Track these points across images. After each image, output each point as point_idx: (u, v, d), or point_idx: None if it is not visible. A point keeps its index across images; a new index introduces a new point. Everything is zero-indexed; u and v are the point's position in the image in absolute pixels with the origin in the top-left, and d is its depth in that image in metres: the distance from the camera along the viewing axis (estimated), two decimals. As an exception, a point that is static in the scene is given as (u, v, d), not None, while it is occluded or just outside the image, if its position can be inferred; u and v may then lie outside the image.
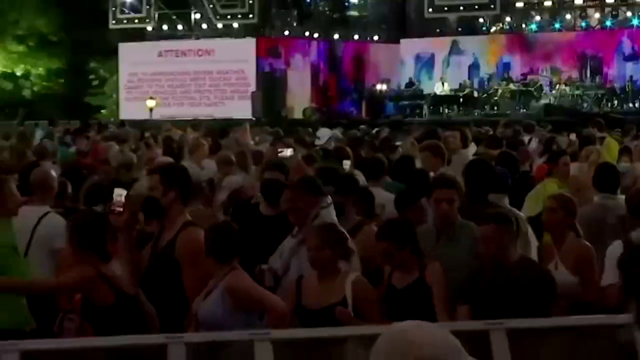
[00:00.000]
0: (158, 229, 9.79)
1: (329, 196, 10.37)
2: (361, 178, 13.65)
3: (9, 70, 64.95)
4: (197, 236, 9.30)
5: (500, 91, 52.09)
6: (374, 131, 32.22)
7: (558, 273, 9.02)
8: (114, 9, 58.53)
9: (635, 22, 53.30)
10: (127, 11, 58.89)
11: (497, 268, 8.60)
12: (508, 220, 8.75)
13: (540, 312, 8.26)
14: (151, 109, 54.11)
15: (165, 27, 58.80)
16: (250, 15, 55.65)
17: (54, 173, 12.47)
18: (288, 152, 17.91)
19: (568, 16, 55.57)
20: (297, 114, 55.23)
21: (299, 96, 57.18)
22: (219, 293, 8.53)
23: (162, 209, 9.60)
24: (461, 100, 52.54)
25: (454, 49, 56.75)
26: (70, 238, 9.07)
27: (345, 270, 8.73)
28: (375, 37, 60.40)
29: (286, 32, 57.65)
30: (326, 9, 61.41)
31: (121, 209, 9.33)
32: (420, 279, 8.72)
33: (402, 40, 59.08)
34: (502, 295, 8.38)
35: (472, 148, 19.25)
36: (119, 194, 9.52)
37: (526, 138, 24.19)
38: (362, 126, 36.33)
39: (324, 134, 28.83)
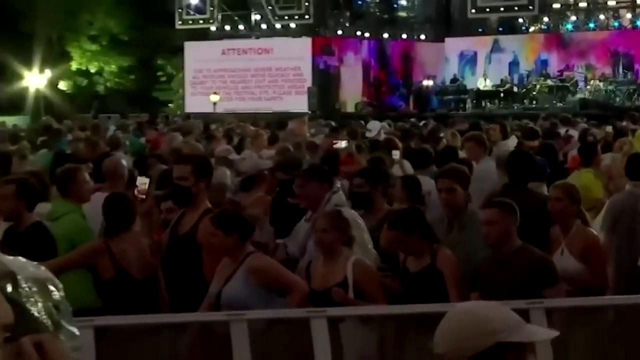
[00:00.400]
0: (177, 215, 9.86)
1: (338, 182, 10.72)
2: (409, 167, 14.41)
3: (84, 68, 66.50)
4: None
5: (538, 86, 53.01)
6: (421, 124, 32.38)
7: (563, 259, 9.06)
8: (180, 10, 59.70)
9: (664, 22, 53.91)
10: (192, 12, 60.13)
11: (499, 253, 8.64)
12: (512, 207, 8.67)
13: (538, 296, 8.15)
14: (215, 103, 55.28)
15: (227, 27, 59.61)
16: (306, 16, 56.57)
17: (124, 162, 12.85)
18: (343, 143, 18.30)
19: (601, 16, 56.02)
20: (350, 108, 56.38)
21: (351, 91, 58.01)
22: (243, 274, 8.62)
23: (190, 196, 9.65)
24: (502, 95, 53.57)
25: (495, 47, 57.48)
26: None
27: (348, 252, 8.80)
28: (422, 36, 61.19)
29: (339, 32, 58.45)
30: (376, 10, 62.13)
31: (144, 196, 9.58)
32: (431, 264, 8.76)
33: (446, 39, 59.97)
34: (503, 280, 8.40)
35: (513, 140, 19.13)
36: (143, 182, 9.80)
37: (563, 130, 23.85)
38: (413, 119, 37.18)
39: (374, 127, 27.75)
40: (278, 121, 30.10)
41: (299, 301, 8.49)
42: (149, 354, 7.86)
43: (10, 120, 45.79)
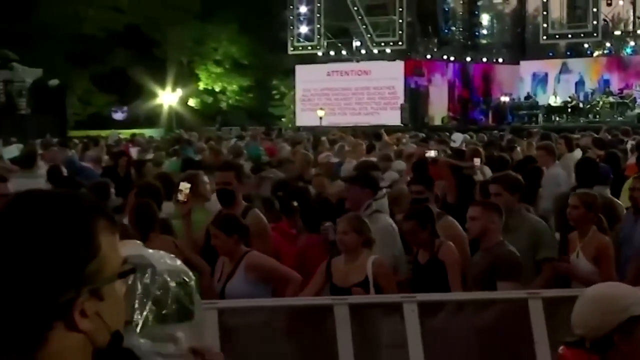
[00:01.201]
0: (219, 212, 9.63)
1: (383, 190, 10.47)
2: (489, 172, 14.53)
3: (210, 87, 69.49)
4: (259, 217, 9.72)
5: (601, 103, 54.08)
6: (498, 135, 33.38)
7: (578, 261, 8.82)
8: (292, 38, 61.59)
9: None
10: (302, 40, 61.86)
11: (482, 246, 8.62)
12: (495, 207, 8.69)
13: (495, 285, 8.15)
14: (321, 117, 57.21)
15: (332, 52, 61.02)
16: (400, 43, 58.11)
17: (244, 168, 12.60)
18: (432, 152, 17.34)
19: (657, 42, 56.27)
20: (437, 121, 57.54)
21: (438, 107, 59.49)
22: (242, 272, 8.60)
23: (232, 198, 9.71)
24: (569, 110, 55.04)
25: (564, 69, 58.41)
26: None
27: (367, 253, 8.60)
28: (500, 60, 62.61)
29: (428, 56, 59.55)
30: (460, 37, 63.27)
31: (185, 200, 9.70)
32: (435, 257, 8.70)
33: (521, 62, 61.07)
34: (477, 271, 8.52)
35: (578, 152, 18.74)
36: (185, 186, 9.84)
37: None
38: (495, 132, 38.41)
39: (457, 138, 28.60)
40: (374, 133, 29.82)
41: (294, 291, 8.56)
42: (266, 333, 7.68)
43: (147, 132, 47.57)
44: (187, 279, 2.78)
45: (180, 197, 9.73)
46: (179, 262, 2.82)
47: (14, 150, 23.95)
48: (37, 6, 63.13)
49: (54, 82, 47.86)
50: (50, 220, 2.05)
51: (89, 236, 2.07)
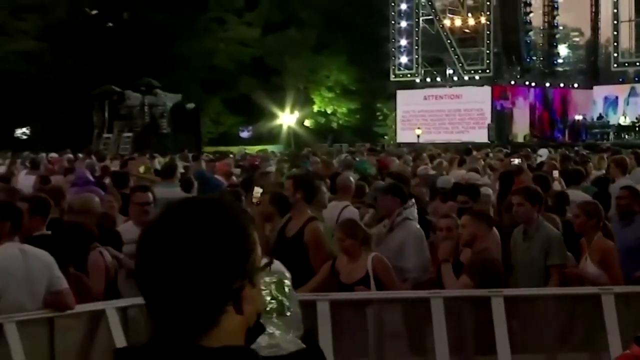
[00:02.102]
0: (286, 219, 9.37)
1: (412, 200, 9.94)
2: (564, 184, 14.04)
3: (323, 109, 70.20)
4: (319, 227, 9.23)
5: None
6: (575, 150, 33.15)
7: (586, 265, 8.45)
8: (393, 67, 62.14)
9: None
10: (402, 69, 62.05)
11: (473, 251, 8.28)
12: (482, 216, 8.56)
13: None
14: (418, 135, 56.83)
15: (428, 79, 60.94)
16: (487, 71, 58.13)
17: (352, 179, 12.80)
18: (516, 160, 18.76)
19: None
20: (519, 139, 56.43)
21: (521, 126, 58.78)
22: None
23: (289, 204, 9.42)
24: (637, 128, 54.00)
25: (632, 93, 57.25)
26: None
27: (366, 251, 8.35)
28: (575, 85, 62.06)
29: (512, 82, 59.18)
30: (540, 65, 63.42)
31: (259, 202, 9.62)
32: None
33: (594, 87, 60.44)
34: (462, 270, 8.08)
35: None
36: (258, 191, 9.80)
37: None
38: (576, 148, 37.54)
39: (543, 153, 28.66)
40: (465, 149, 29.25)
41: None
42: (363, 323, 7.48)
43: (269, 148, 47.96)
44: (283, 278, 2.84)
45: (254, 200, 9.80)
46: (276, 262, 2.95)
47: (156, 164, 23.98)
48: (176, 42, 65.30)
49: (190, 105, 48.71)
50: (222, 221, 2.16)
51: (249, 234, 2.20)
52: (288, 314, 2.81)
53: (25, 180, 16.53)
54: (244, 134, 69.97)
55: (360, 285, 8.19)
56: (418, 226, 9.54)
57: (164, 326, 2.09)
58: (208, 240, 2.09)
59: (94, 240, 8.25)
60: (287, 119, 68.02)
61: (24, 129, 72.87)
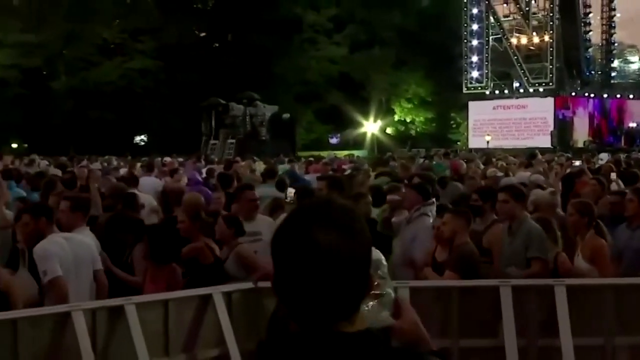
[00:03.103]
0: None
1: (433, 198, 9.62)
2: (622, 184, 13.53)
3: (402, 119, 70.47)
4: None
5: None
6: (629, 155, 32.50)
7: (578, 261, 8.07)
8: (465, 81, 62.24)
9: None
10: (474, 82, 62.09)
11: (453, 246, 8.09)
12: (462, 213, 8.26)
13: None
14: (488, 141, 56.62)
15: (497, 91, 60.93)
16: (550, 84, 57.55)
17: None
18: (577, 162, 19.19)
19: None
20: (579, 144, 56.37)
21: (581, 133, 58.56)
22: (233, 258, 8.11)
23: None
24: None
25: None
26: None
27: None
28: (630, 96, 61.35)
29: (573, 93, 58.85)
30: (599, 79, 63.10)
31: (292, 202, 9.49)
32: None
33: None
34: (448, 265, 7.95)
35: None
36: (292, 192, 9.77)
37: None
38: (632, 153, 37.76)
39: (603, 157, 28.51)
40: (530, 153, 28.38)
41: (264, 278, 7.39)
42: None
43: (355, 153, 48.11)
44: (379, 264, 2.85)
45: (288, 199, 9.79)
46: (376, 252, 2.77)
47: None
48: (274, 60, 66.54)
49: (286, 115, 48.92)
50: (361, 219, 2.07)
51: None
52: (384, 293, 2.81)
53: (142, 181, 16.16)
54: (333, 140, 69.75)
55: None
56: (431, 221, 9.08)
57: (309, 316, 1.97)
58: (360, 238, 2.00)
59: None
60: (370, 127, 68.05)
61: (142, 136, 74.29)
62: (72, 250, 7.30)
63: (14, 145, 68.48)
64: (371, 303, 2.74)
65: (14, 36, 72.72)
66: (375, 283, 2.75)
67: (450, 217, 8.20)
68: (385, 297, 2.81)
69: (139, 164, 22.87)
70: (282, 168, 20.79)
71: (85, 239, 7.64)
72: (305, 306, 1.97)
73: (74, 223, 7.48)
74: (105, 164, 26.36)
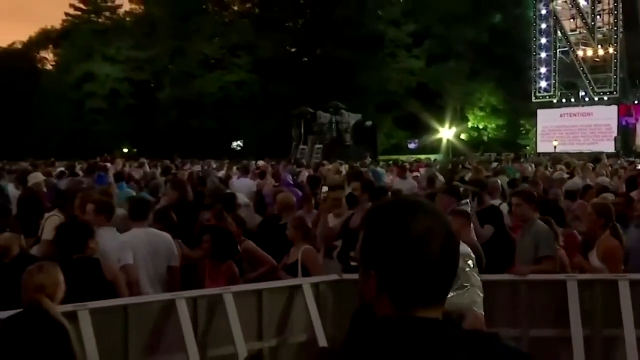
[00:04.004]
0: (349, 214, 9.23)
1: (466, 199, 9.19)
2: None
3: (475, 125, 69.37)
4: None
5: None
6: None
7: (592, 259, 7.81)
8: (534, 90, 61.31)
9: None
10: (542, 92, 61.10)
11: None
12: (462, 213, 7.75)
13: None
14: (555, 146, 56.28)
15: (563, 100, 60.05)
16: (614, 92, 56.70)
17: (499, 182, 12.57)
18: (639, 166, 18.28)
19: None
20: None
21: None
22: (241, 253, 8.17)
23: (356, 201, 9.27)
24: None
25: None
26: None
27: (304, 243, 8.01)
28: None
29: (635, 102, 56.96)
30: None
31: (324, 198, 9.48)
32: None
33: None
34: None
35: None
36: (325, 190, 9.58)
37: None
38: None
39: None
40: (595, 157, 28.54)
41: (269, 271, 8.16)
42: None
43: (432, 157, 47.16)
44: (468, 259, 2.79)
45: (322, 196, 9.62)
46: (464, 246, 2.84)
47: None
48: (358, 72, 67.12)
49: (368, 122, 48.79)
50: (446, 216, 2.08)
51: None
52: (467, 289, 2.77)
53: (238, 183, 16.68)
54: (411, 145, 69.52)
55: (291, 268, 7.96)
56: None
57: (398, 300, 1.95)
58: (447, 230, 2.01)
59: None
60: (446, 133, 67.55)
61: (238, 142, 75.01)
62: (149, 242, 7.58)
63: (125, 150, 70.23)
64: (453, 293, 2.72)
65: (126, 52, 75.01)
66: (466, 270, 2.77)
67: (450, 218, 7.85)
68: (470, 291, 2.80)
69: (235, 167, 23.11)
70: (381, 172, 20.83)
71: (165, 235, 7.84)
72: (401, 291, 1.94)
73: (99, 224, 7.47)
74: (205, 167, 26.60)
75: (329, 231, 9.26)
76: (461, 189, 9.60)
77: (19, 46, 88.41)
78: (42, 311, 4.68)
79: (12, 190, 13.95)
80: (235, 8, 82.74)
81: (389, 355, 1.87)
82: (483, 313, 2.64)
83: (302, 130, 48.42)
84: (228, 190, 12.82)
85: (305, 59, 75.47)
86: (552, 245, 8.02)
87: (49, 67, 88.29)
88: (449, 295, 2.03)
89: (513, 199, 8.64)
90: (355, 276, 2.05)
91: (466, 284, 2.81)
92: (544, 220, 8.34)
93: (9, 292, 4.05)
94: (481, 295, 2.77)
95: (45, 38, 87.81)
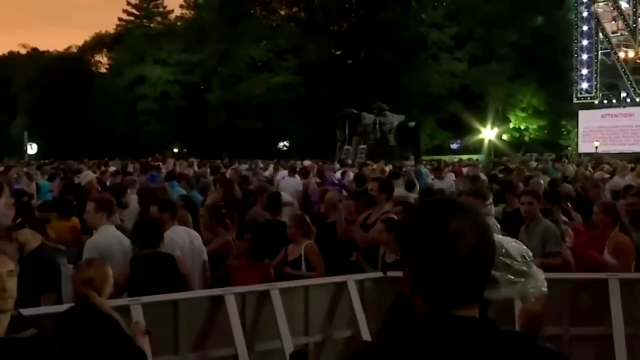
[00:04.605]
0: (366, 213, 9.27)
1: (490, 199, 9.31)
2: None
3: (517, 126, 68.95)
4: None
5: None
6: None
7: (605, 255, 7.77)
8: (576, 92, 60.70)
9: None
10: (583, 93, 60.45)
11: None
12: None
13: None
14: (596, 147, 55.84)
15: (605, 101, 59.58)
16: None
17: (542, 182, 12.65)
18: None
19: None
20: None
21: None
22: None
23: (374, 201, 9.25)
24: None
25: None
26: None
27: (304, 240, 8.03)
28: None
29: None
30: None
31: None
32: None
33: None
34: None
35: None
36: (371, 188, 9.47)
37: None
38: None
39: None
40: (637, 157, 29.52)
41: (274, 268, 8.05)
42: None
43: (474, 157, 48.04)
44: (525, 256, 2.86)
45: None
46: (517, 244, 2.87)
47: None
48: (401, 74, 67.35)
49: (411, 123, 48.62)
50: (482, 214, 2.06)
51: None
52: (519, 282, 2.87)
53: (284, 182, 16.76)
54: (454, 146, 69.46)
55: (294, 264, 8.00)
56: (494, 221, 8.73)
57: (435, 298, 1.93)
58: (483, 228, 1.96)
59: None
60: (488, 133, 67.25)
61: (285, 142, 75.15)
62: (190, 240, 7.81)
63: (175, 150, 71.12)
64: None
65: (177, 56, 75.92)
66: (507, 262, 2.78)
67: None
68: (523, 283, 2.84)
69: (280, 167, 23.26)
70: (425, 171, 20.96)
71: (194, 232, 8.07)
72: (432, 289, 1.93)
73: (99, 222, 7.51)
74: (253, 166, 26.84)
75: (343, 227, 9.40)
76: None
77: (75, 50, 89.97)
78: (90, 304, 4.77)
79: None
80: (282, 12, 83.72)
81: (417, 353, 1.87)
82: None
83: (347, 131, 48.42)
84: (273, 189, 12.85)
85: (350, 62, 75.68)
86: (559, 242, 8.15)
87: (102, 70, 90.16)
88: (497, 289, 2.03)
89: (523, 197, 8.72)
90: (399, 274, 2.06)
91: (519, 278, 2.85)
92: (551, 219, 8.48)
93: (24, 283, 4.13)
94: (540, 287, 2.84)
95: (99, 42, 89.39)
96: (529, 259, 2.93)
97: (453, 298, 1.92)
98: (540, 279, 2.90)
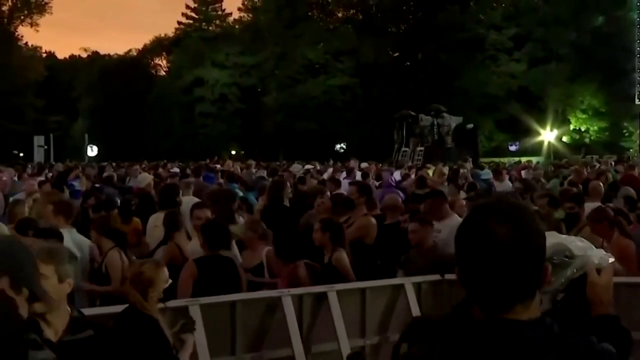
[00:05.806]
0: (346, 217, 9.27)
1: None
2: None
3: (577, 128, 67.42)
4: (371, 223, 9.18)
5: None
6: None
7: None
8: (637, 92, 60.43)
9: None
10: None
11: (418, 249, 7.89)
12: (426, 221, 8.05)
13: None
14: None
15: None
16: None
17: (601, 184, 12.19)
18: None
19: None
20: None
21: None
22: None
23: (353, 205, 9.35)
24: None
25: None
26: None
27: (265, 246, 7.88)
28: None
29: None
30: None
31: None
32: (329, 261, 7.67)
33: None
34: (419, 265, 7.64)
35: None
36: (350, 192, 9.56)
37: None
38: None
39: None
40: None
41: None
42: None
43: (533, 159, 46.85)
44: (567, 255, 2.79)
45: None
46: (557, 235, 2.84)
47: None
48: (458, 75, 66.91)
49: (469, 125, 48.27)
50: (534, 215, 2.08)
51: None
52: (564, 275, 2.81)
53: (344, 183, 16.70)
54: (512, 148, 68.46)
55: (255, 270, 7.81)
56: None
57: (486, 302, 1.96)
58: (532, 231, 1.99)
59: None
60: (547, 135, 66.44)
61: (342, 144, 75.18)
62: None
63: (233, 152, 71.63)
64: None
65: (234, 59, 76.71)
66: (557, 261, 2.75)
67: (416, 226, 8.00)
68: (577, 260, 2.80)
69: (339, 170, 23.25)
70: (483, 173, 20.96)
71: None
72: (483, 293, 1.96)
73: (58, 224, 7.56)
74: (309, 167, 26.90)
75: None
76: None
77: (134, 54, 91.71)
78: (133, 306, 4.89)
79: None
80: (339, 14, 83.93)
81: (469, 357, 1.92)
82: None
83: (404, 133, 48.23)
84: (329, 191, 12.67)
85: (407, 63, 75.65)
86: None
87: (162, 73, 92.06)
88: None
89: (538, 201, 9.01)
90: (455, 276, 2.07)
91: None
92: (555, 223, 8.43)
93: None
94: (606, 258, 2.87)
95: (158, 46, 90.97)
96: (569, 257, 2.93)
97: (498, 302, 1.95)
98: (603, 253, 2.86)
